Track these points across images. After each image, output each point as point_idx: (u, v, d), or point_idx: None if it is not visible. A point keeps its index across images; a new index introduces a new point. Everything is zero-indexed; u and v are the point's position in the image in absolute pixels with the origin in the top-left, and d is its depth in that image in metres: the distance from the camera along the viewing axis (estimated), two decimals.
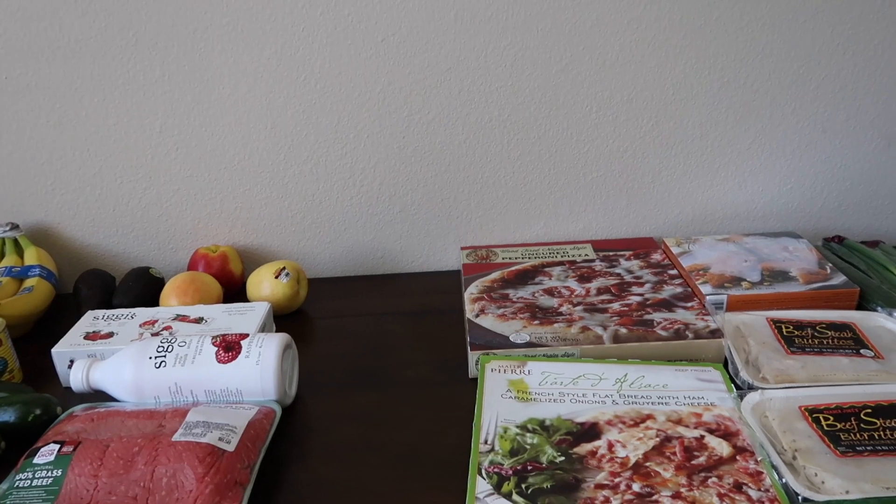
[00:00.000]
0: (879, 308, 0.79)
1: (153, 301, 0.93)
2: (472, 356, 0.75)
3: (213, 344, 0.70)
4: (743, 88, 0.94)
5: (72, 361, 0.77)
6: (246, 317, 0.81)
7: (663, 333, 0.76)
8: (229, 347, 0.69)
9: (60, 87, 0.90)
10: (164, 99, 0.91)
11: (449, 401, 0.73)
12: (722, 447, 0.60)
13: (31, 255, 0.93)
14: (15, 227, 0.95)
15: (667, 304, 0.82)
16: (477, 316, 0.82)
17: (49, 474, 0.57)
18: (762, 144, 0.97)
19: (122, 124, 0.92)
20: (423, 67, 0.91)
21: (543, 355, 0.75)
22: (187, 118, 0.92)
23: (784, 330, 0.75)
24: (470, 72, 0.91)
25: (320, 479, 0.64)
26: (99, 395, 0.73)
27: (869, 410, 0.62)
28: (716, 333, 0.76)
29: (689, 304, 0.82)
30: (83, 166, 0.95)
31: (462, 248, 1.00)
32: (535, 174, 0.97)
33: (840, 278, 0.83)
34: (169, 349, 0.70)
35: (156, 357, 0.69)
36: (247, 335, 0.71)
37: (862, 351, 0.71)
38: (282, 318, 0.90)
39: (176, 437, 0.59)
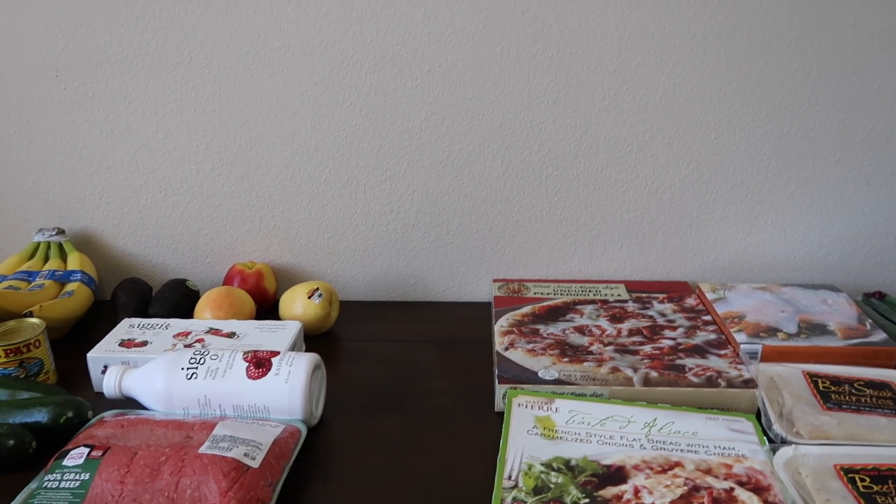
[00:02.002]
0: None
1: (188, 313, 0.94)
2: (500, 389, 0.75)
3: (244, 359, 0.71)
4: (787, 136, 0.93)
5: (105, 367, 0.78)
6: (277, 334, 0.82)
7: (695, 380, 0.75)
8: (260, 364, 0.70)
9: (115, 99, 0.93)
10: (213, 116, 0.94)
11: (473, 432, 0.73)
12: (752, 501, 0.59)
13: (74, 261, 0.95)
14: (61, 232, 0.97)
15: (699, 351, 0.81)
16: (506, 349, 0.82)
17: (77, 477, 0.58)
18: (804, 194, 0.96)
19: (170, 139, 0.95)
20: (466, 99, 0.92)
21: (572, 393, 0.74)
22: (234, 136, 0.95)
23: (820, 384, 0.73)
24: (512, 106, 0.92)
25: (340, 501, 0.63)
26: (129, 402, 0.74)
27: None
28: (749, 383, 0.74)
29: (723, 352, 0.81)
30: (130, 177, 0.97)
31: (494, 281, 1.00)
32: (572, 211, 0.97)
33: (880, 335, 0.81)
34: (201, 361, 0.71)
35: (188, 368, 0.70)
36: (278, 353, 0.72)
37: None
38: (312, 339, 0.91)
39: (203, 450, 0.60)
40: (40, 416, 0.68)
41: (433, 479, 0.66)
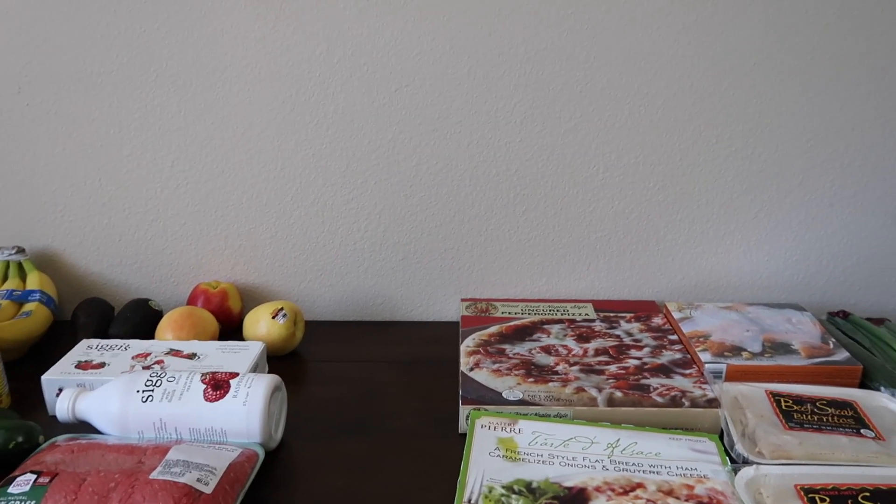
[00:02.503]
0: (883, 388, 0.77)
1: (150, 333, 0.92)
2: (463, 410, 0.74)
3: (202, 381, 0.69)
4: (751, 158, 0.94)
5: (60, 390, 0.76)
6: (239, 355, 0.81)
7: (659, 399, 0.75)
8: (218, 386, 0.69)
9: (79, 116, 0.92)
10: (179, 134, 0.93)
11: (436, 454, 0.72)
12: None
13: (34, 280, 0.93)
14: (21, 250, 0.95)
15: (665, 370, 0.81)
16: (471, 369, 0.81)
17: None
18: (769, 215, 0.97)
19: (135, 156, 0.94)
20: (433, 119, 0.92)
21: (535, 414, 0.73)
22: (199, 154, 0.94)
23: (783, 404, 0.73)
24: (480, 126, 0.92)
25: None
26: (84, 426, 0.72)
27: (867, 494, 0.60)
28: (713, 403, 0.74)
29: (688, 371, 0.81)
30: (93, 195, 0.96)
31: (462, 300, 0.99)
32: (540, 230, 0.97)
33: (843, 354, 0.82)
34: (157, 384, 0.69)
35: (143, 391, 0.68)
36: (237, 374, 0.70)
37: (862, 431, 0.70)
38: (276, 360, 0.89)
39: (154, 475, 0.58)
40: None
41: (395, 502, 0.65)
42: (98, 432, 0.72)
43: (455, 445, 0.73)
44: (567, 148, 0.93)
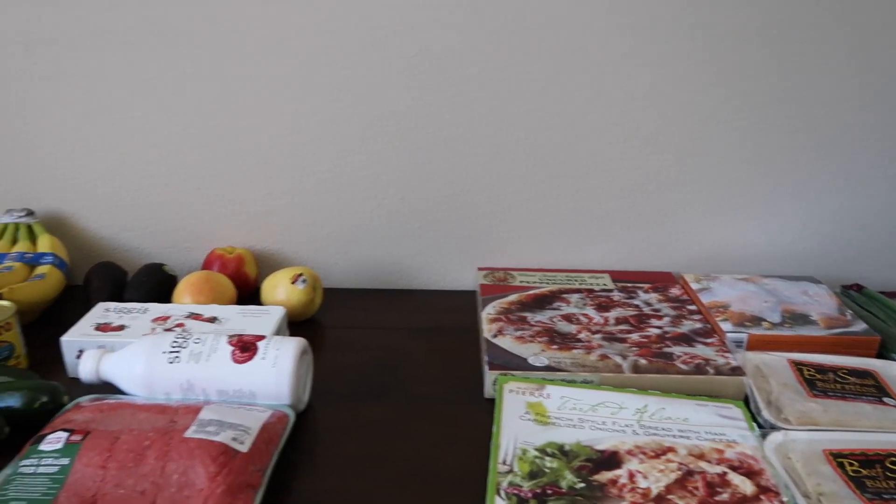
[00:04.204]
0: None
1: (164, 298, 0.91)
2: (490, 376, 0.74)
3: (228, 343, 0.68)
4: (768, 130, 0.94)
5: (80, 352, 0.75)
6: (261, 319, 0.80)
7: (683, 367, 0.75)
8: (245, 348, 0.68)
9: (90, 76, 0.90)
10: (193, 97, 0.91)
11: (462, 419, 0.72)
12: (745, 485, 0.59)
13: (45, 243, 0.91)
14: (30, 213, 0.93)
15: (686, 339, 0.82)
16: (495, 336, 0.81)
17: (55, 462, 0.56)
18: (784, 187, 0.97)
19: (148, 119, 0.92)
20: (452, 85, 0.91)
21: (562, 380, 0.74)
22: (213, 118, 0.92)
23: (806, 372, 0.74)
24: (499, 93, 0.91)
25: (329, 489, 0.62)
26: (107, 388, 0.71)
27: (895, 458, 0.61)
28: (736, 371, 0.75)
29: (709, 341, 0.81)
30: (105, 158, 0.94)
31: (479, 269, 0.99)
32: (557, 200, 0.97)
33: (861, 325, 0.83)
34: (183, 345, 0.68)
35: (170, 352, 0.68)
36: (263, 337, 0.70)
37: (885, 399, 0.70)
38: (295, 325, 0.89)
39: (188, 434, 0.58)
40: (13, 400, 0.65)
41: (424, 465, 0.65)
42: (121, 393, 0.71)
43: (481, 410, 0.73)
44: (586, 117, 0.93)
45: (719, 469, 0.61)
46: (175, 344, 0.68)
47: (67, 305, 0.92)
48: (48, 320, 0.88)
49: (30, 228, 0.93)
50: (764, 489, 0.59)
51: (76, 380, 0.75)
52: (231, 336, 0.70)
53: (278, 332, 0.80)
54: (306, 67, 0.89)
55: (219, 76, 0.90)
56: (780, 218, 0.99)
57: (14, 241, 0.92)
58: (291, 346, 0.68)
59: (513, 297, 0.91)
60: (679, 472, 0.60)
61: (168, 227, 0.98)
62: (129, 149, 0.93)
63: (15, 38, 0.87)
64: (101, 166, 0.94)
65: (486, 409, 0.73)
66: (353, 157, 0.94)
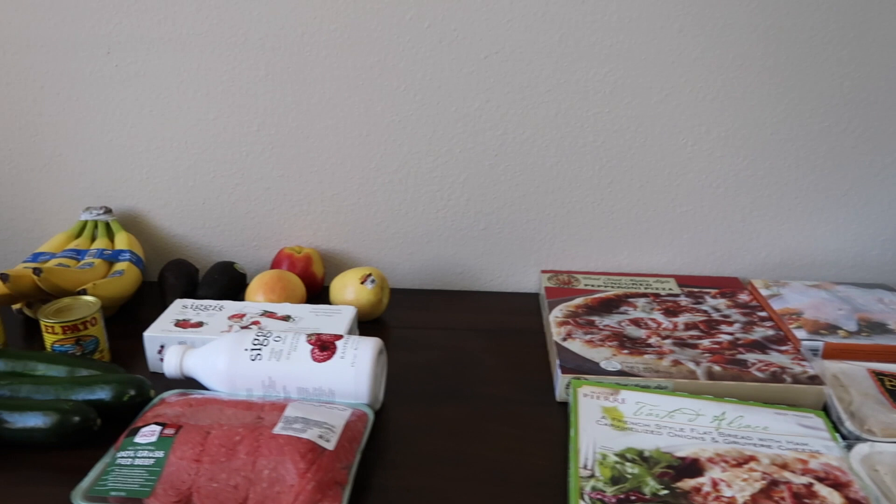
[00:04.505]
0: None
1: (235, 295, 0.93)
2: (563, 379, 0.74)
3: (308, 342, 0.70)
4: (844, 134, 0.92)
5: (162, 346, 0.77)
6: (333, 319, 0.81)
7: (759, 375, 0.74)
8: (324, 347, 0.69)
9: (167, 78, 0.92)
10: (265, 98, 0.93)
11: (535, 421, 0.72)
12: (833, 497, 0.58)
13: (122, 240, 0.94)
14: (108, 211, 0.96)
15: (759, 346, 0.80)
16: (564, 339, 0.81)
17: (151, 455, 0.57)
18: (859, 193, 0.95)
19: (221, 119, 0.94)
20: (522, 87, 0.91)
21: (636, 385, 0.73)
22: (285, 119, 0.94)
23: (887, 383, 0.72)
24: (568, 95, 0.91)
25: (409, 487, 0.63)
26: (190, 382, 0.73)
27: None
28: (815, 380, 0.73)
29: (784, 348, 0.80)
30: (179, 158, 0.96)
31: (542, 272, 0.99)
32: (623, 203, 0.97)
33: None
34: (264, 343, 0.70)
35: (251, 349, 0.69)
36: (341, 336, 0.71)
37: None
38: (362, 325, 0.90)
39: (277, 430, 0.59)
40: (103, 393, 0.68)
41: (502, 467, 0.65)
42: (203, 388, 0.73)
43: (553, 413, 0.73)
44: (656, 119, 0.92)
45: (805, 480, 0.60)
46: (256, 342, 0.70)
47: (143, 301, 0.95)
48: (125, 315, 0.91)
49: (108, 226, 0.96)
50: (853, 501, 0.58)
51: (157, 373, 0.78)
52: (310, 335, 0.71)
53: (350, 332, 0.81)
54: (377, 69, 0.90)
55: (291, 78, 0.91)
56: (853, 224, 0.96)
57: (93, 238, 0.95)
58: (369, 346, 0.69)
59: (579, 301, 0.91)
60: (763, 482, 0.60)
61: (238, 225, 1.00)
62: (203, 149, 0.96)
63: (100, 41, 0.90)
64: (176, 166, 0.97)
65: (559, 412, 0.73)
66: (422, 158, 0.95)
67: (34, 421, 0.64)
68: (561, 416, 0.73)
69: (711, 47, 0.88)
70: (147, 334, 0.77)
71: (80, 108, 0.94)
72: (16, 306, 0.88)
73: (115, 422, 0.68)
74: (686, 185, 0.95)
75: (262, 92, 0.92)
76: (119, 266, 0.90)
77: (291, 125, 0.94)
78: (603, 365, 0.76)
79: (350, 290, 0.88)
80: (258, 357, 0.69)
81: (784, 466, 0.62)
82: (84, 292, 0.82)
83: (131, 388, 0.68)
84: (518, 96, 0.91)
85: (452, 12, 0.87)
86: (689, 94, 0.91)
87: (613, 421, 0.67)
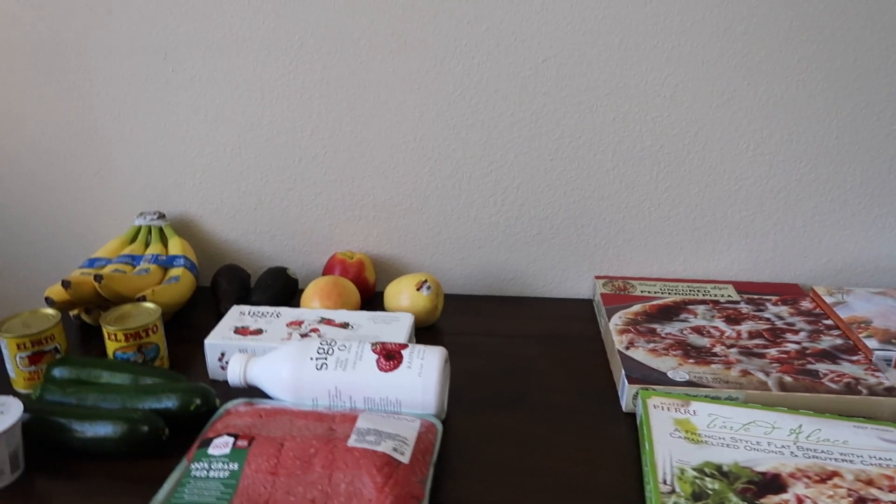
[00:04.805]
0: None
1: (288, 300, 0.93)
2: (630, 389, 0.73)
3: (373, 351, 0.69)
4: None
5: (222, 354, 0.77)
6: (391, 326, 0.80)
7: (833, 386, 0.72)
8: (390, 356, 0.68)
9: (222, 82, 0.92)
10: (320, 102, 0.92)
11: (602, 432, 0.70)
12: None
13: (176, 245, 0.94)
14: (161, 216, 0.96)
15: (829, 356, 0.78)
16: (627, 348, 0.79)
17: (225, 467, 0.57)
18: None
19: (275, 124, 0.94)
20: (580, 91, 0.89)
21: (706, 396, 0.72)
22: (339, 123, 0.93)
23: None
24: (627, 99, 0.90)
25: (481, 500, 0.61)
26: (251, 391, 0.72)
27: None
28: (891, 391, 0.71)
29: (854, 358, 0.78)
30: (232, 162, 0.96)
31: (596, 277, 0.98)
32: (681, 208, 0.95)
33: None
34: (329, 352, 0.69)
35: (317, 358, 0.69)
36: (406, 345, 0.70)
37: None
38: (416, 332, 0.89)
39: (351, 443, 0.58)
40: (169, 402, 0.67)
41: (574, 479, 0.64)
42: (266, 397, 0.72)
43: (620, 424, 0.72)
44: (717, 124, 0.90)
45: (894, 497, 0.58)
46: (321, 351, 0.69)
47: (195, 306, 0.94)
48: (179, 321, 0.91)
49: (161, 230, 0.96)
50: None
51: (216, 381, 0.77)
52: (374, 344, 0.70)
53: (409, 340, 0.80)
54: (433, 73, 0.89)
55: (347, 82, 0.91)
56: None
57: (146, 243, 0.95)
58: (436, 356, 0.68)
59: (637, 308, 0.89)
60: (850, 499, 0.58)
61: (289, 230, 0.99)
62: (256, 154, 0.95)
63: (158, 46, 0.90)
64: (229, 171, 0.96)
65: (626, 423, 0.72)
66: (476, 162, 0.94)
67: (104, 430, 0.64)
68: (628, 427, 0.71)
69: (777, 49, 0.86)
70: (208, 342, 0.77)
71: (134, 112, 0.94)
72: (73, 312, 0.89)
73: (181, 431, 0.68)
74: (746, 189, 0.93)
75: (317, 96, 0.92)
76: (174, 272, 0.90)
77: (345, 129, 0.93)
78: (670, 375, 0.74)
79: (405, 296, 0.88)
80: (324, 366, 0.68)
81: (870, 483, 0.60)
82: (143, 299, 0.82)
83: (197, 397, 0.68)
84: (575, 100, 0.90)
85: (512, 15, 0.86)
86: (752, 98, 0.89)
87: (687, 434, 0.66)
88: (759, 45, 0.86)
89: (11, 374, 0.75)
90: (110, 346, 0.76)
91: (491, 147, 0.93)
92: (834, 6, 0.84)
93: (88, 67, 0.92)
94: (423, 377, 0.67)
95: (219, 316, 0.91)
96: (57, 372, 0.73)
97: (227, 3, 0.88)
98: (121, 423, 0.64)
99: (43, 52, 0.92)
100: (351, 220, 0.98)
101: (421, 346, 0.70)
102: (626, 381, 0.73)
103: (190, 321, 0.91)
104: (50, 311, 0.78)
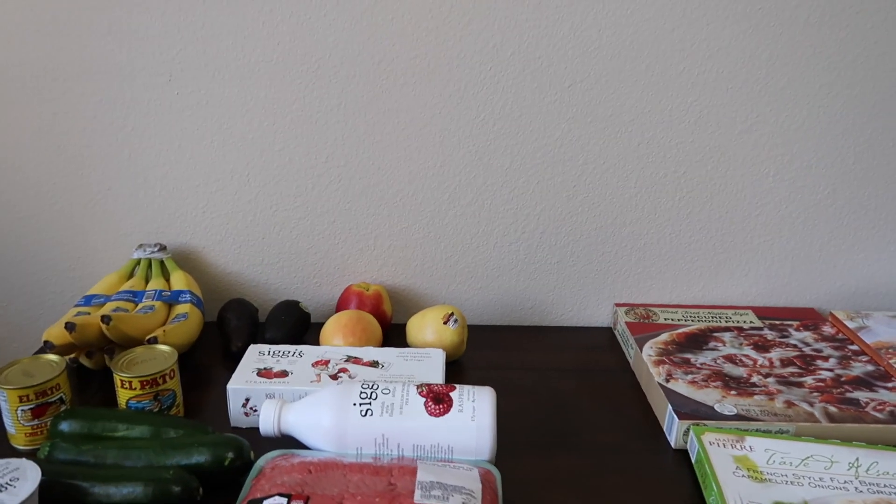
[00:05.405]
0: None
1: (301, 336, 0.88)
2: (680, 426, 0.70)
3: (419, 394, 0.65)
4: None
5: (247, 399, 0.72)
6: (424, 364, 0.77)
7: (878, 416, 0.72)
8: (438, 399, 0.64)
9: (231, 107, 0.87)
10: (336, 128, 0.88)
11: (656, 472, 0.68)
12: None
13: (179, 280, 0.88)
14: (163, 248, 0.90)
15: (864, 383, 0.78)
16: (667, 381, 0.78)
17: None
18: None
19: (287, 150, 0.89)
20: (605, 117, 0.88)
21: (757, 430, 0.70)
22: (356, 149, 0.89)
23: None
24: (652, 125, 0.88)
25: None
26: (284, 441, 0.67)
27: None
28: None
29: (890, 385, 0.78)
30: (240, 190, 0.91)
31: (617, 305, 0.96)
32: (702, 234, 0.94)
33: None
34: (373, 396, 0.65)
35: (360, 404, 0.64)
36: (454, 387, 0.66)
37: None
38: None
39: (418, 500, 0.54)
40: (200, 457, 0.62)
41: None
42: (302, 446, 0.67)
43: (671, 461, 0.69)
44: (739, 149, 0.90)
45: None
46: (364, 395, 0.65)
47: (200, 345, 0.88)
48: (185, 362, 0.85)
49: (162, 263, 0.90)
50: None
51: (238, 428, 0.72)
52: (419, 386, 0.66)
53: (442, 377, 0.76)
54: (456, 98, 0.87)
55: (365, 107, 0.87)
56: None
57: (147, 278, 0.89)
58: (487, 398, 0.65)
59: (665, 337, 0.88)
60: None
61: (299, 262, 0.94)
62: (266, 181, 0.90)
63: (161, 67, 0.84)
64: (236, 199, 0.91)
65: (678, 461, 0.70)
66: (497, 190, 0.91)
67: (130, 492, 0.58)
68: (680, 465, 0.69)
69: (799, 76, 0.86)
70: (231, 387, 0.71)
71: (134, 138, 0.88)
72: (71, 355, 0.81)
73: (217, 489, 0.62)
74: (766, 215, 0.93)
75: (334, 121, 0.87)
76: (181, 308, 0.84)
77: (363, 156, 0.89)
78: (717, 408, 0.72)
79: (430, 330, 0.84)
80: (369, 412, 0.64)
81: None
82: (155, 340, 0.76)
83: (230, 450, 0.62)
84: (601, 126, 0.88)
85: (538, 40, 0.84)
86: (774, 124, 0.89)
87: (749, 472, 0.64)
88: (782, 72, 0.86)
89: (10, 429, 0.68)
90: (122, 395, 0.70)
91: (513, 173, 0.90)
92: (853, 35, 0.85)
93: (83, 91, 0.86)
94: (476, 421, 0.63)
95: (228, 355, 0.85)
96: (65, 426, 0.66)
97: (238, 23, 0.83)
98: (150, 483, 0.58)
99: (30, 73, 0.85)
100: (365, 250, 0.94)
101: (469, 387, 0.66)
102: (675, 416, 0.71)
103: (196, 362, 0.85)
104: (52, 357, 0.71)
